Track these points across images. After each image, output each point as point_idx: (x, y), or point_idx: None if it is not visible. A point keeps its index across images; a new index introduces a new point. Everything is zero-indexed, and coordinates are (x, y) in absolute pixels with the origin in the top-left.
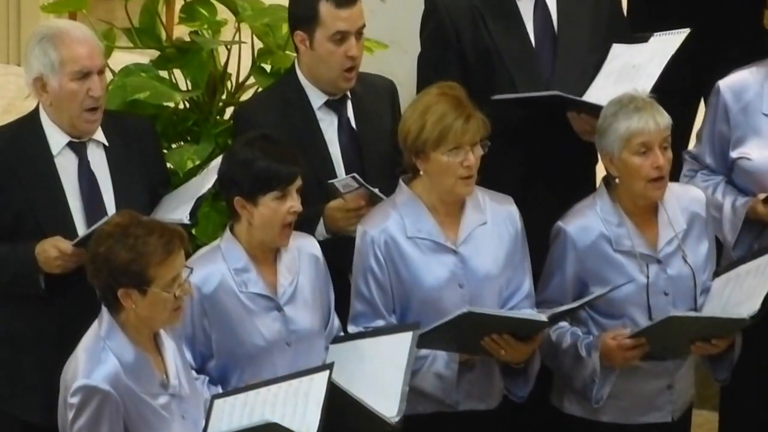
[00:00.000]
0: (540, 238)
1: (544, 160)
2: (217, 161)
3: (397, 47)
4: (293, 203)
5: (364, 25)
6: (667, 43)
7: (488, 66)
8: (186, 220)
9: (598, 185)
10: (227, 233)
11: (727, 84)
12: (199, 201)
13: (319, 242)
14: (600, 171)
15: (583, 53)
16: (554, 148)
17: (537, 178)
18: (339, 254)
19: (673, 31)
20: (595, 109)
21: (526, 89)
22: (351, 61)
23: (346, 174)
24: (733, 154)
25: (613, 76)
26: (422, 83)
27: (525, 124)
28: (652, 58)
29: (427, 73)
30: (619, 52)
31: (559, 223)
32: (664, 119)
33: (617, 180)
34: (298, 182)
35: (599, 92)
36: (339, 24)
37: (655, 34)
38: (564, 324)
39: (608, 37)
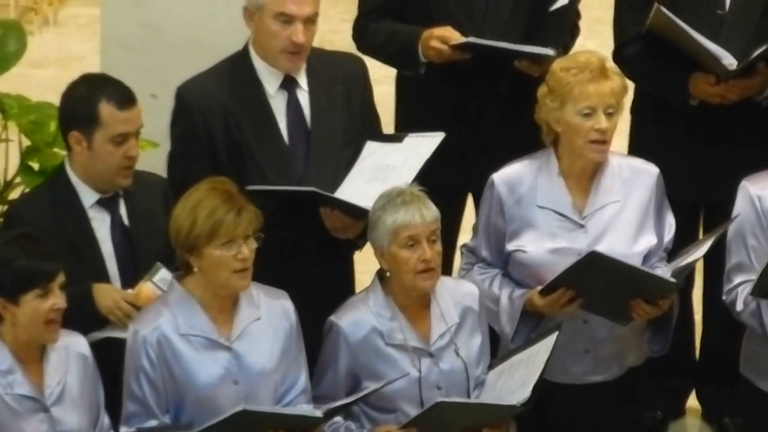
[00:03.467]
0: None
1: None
2: None
3: (169, 144)
4: (56, 300)
5: (142, 125)
6: (422, 146)
7: (240, 162)
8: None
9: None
10: None
11: (501, 177)
12: None
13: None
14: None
15: (336, 150)
16: (313, 236)
17: (298, 261)
18: (110, 354)
19: (428, 134)
20: (349, 208)
21: (279, 185)
22: (129, 161)
23: (119, 272)
24: (509, 247)
25: (366, 173)
26: (173, 180)
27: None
28: (406, 159)
29: (178, 170)
30: (372, 150)
31: (332, 317)
32: (431, 212)
33: (388, 273)
34: (60, 278)
35: (352, 189)
36: (120, 126)
37: (410, 134)
38: (338, 419)
39: (362, 134)
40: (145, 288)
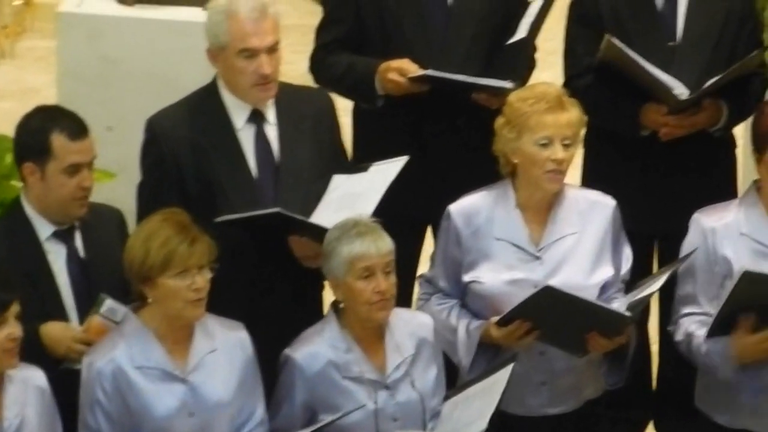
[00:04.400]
0: None
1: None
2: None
3: (125, 176)
4: (11, 330)
5: (95, 156)
6: (386, 172)
7: (209, 196)
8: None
9: None
10: None
11: (457, 209)
12: None
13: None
14: None
15: (305, 183)
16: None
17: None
18: (67, 387)
19: (392, 159)
20: (316, 231)
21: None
22: (83, 192)
23: (75, 304)
24: (466, 278)
25: (334, 204)
26: (142, 212)
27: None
28: (371, 185)
29: (147, 201)
30: (339, 183)
31: (287, 351)
32: (386, 244)
33: (343, 305)
34: (15, 308)
35: (321, 220)
36: (73, 157)
37: (375, 163)
38: None
39: (330, 167)
40: (95, 322)
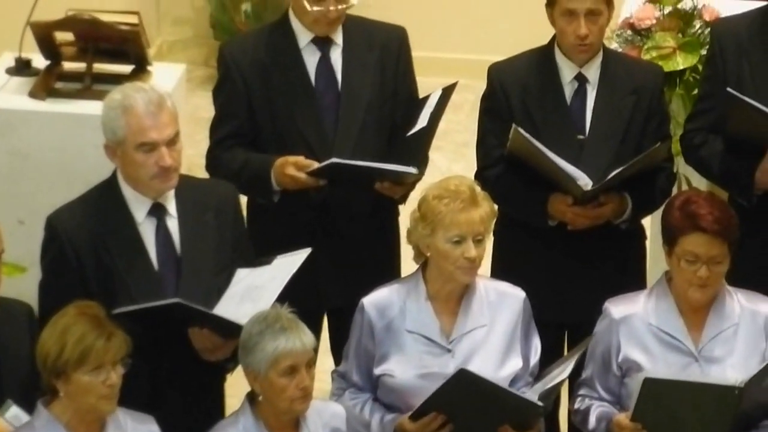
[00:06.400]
0: None
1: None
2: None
3: (37, 270)
4: None
5: (3, 250)
6: (288, 264)
7: (110, 291)
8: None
9: None
10: None
11: (370, 301)
12: None
13: None
14: None
15: (207, 276)
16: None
17: (170, 388)
18: None
19: (294, 252)
20: (217, 323)
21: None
22: None
23: None
24: (378, 371)
25: (236, 297)
26: (44, 310)
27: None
28: (274, 277)
29: (49, 299)
30: (243, 276)
31: None
32: (309, 338)
33: (260, 398)
34: None
35: (223, 313)
36: None
37: (278, 256)
38: None
39: (233, 259)
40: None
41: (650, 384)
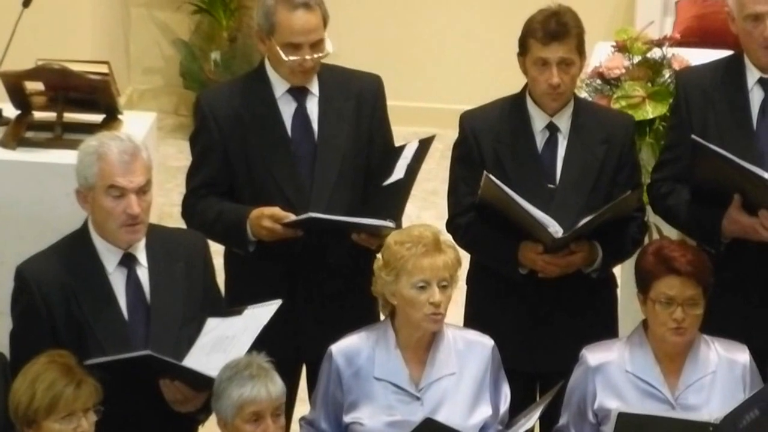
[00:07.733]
0: None
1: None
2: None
3: (7, 320)
4: None
5: None
6: (259, 315)
7: (81, 340)
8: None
9: None
10: None
11: (339, 349)
12: None
13: None
14: None
15: (177, 326)
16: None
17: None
18: None
19: (266, 303)
20: (187, 375)
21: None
22: None
23: None
24: (347, 419)
25: (207, 347)
26: (14, 361)
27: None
28: (245, 328)
29: (19, 349)
30: (213, 326)
31: None
32: (277, 387)
33: None
34: None
35: (193, 364)
36: None
37: (249, 306)
38: None
39: (203, 309)
40: None
41: (624, 419)
